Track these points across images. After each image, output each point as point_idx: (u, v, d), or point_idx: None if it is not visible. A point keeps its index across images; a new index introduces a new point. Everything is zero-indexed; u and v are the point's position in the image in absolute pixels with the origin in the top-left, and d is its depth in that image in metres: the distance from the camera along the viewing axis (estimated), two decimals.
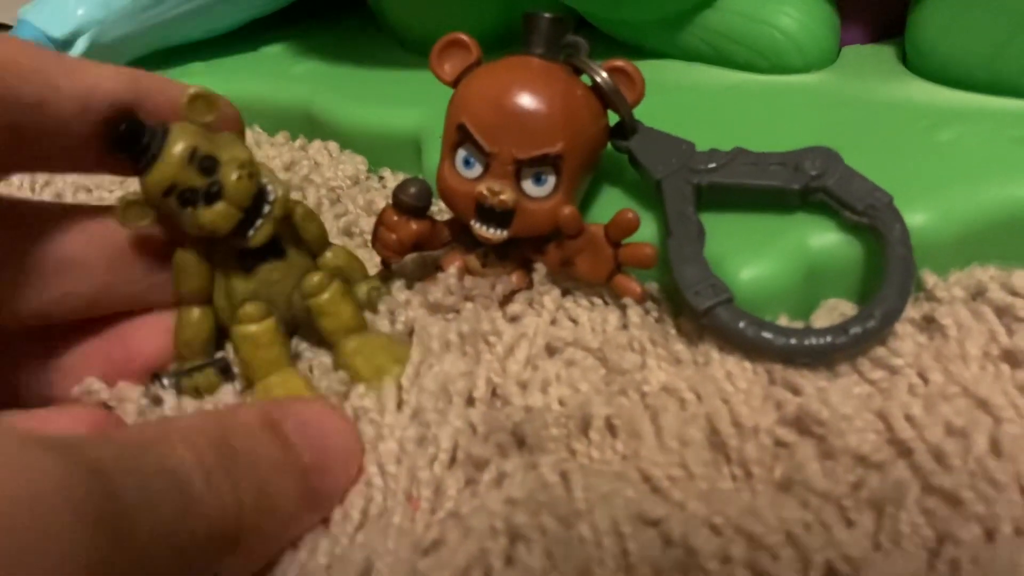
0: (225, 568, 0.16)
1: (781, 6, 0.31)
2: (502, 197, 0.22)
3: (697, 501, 0.18)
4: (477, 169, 0.23)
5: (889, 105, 0.28)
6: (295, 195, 0.30)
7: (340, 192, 0.32)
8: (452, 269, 0.24)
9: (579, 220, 0.22)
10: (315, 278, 0.22)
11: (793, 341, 0.20)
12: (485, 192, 0.22)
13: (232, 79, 0.39)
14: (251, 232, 0.21)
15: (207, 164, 0.20)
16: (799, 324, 0.22)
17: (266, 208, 0.21)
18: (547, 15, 0.23)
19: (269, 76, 0.39)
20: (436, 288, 0.24)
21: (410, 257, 0.25)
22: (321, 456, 0.19)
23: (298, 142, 0.36)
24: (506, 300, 0.24)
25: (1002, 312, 0.21)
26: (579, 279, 0.23)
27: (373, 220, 0.29)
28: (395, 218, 0.23)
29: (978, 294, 0.22)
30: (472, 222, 0.23)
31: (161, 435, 0.16)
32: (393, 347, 0.22)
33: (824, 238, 0.22)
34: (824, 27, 0.31)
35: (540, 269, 0.24)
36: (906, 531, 0.17)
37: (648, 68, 0.27)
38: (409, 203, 0.23)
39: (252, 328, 0.21)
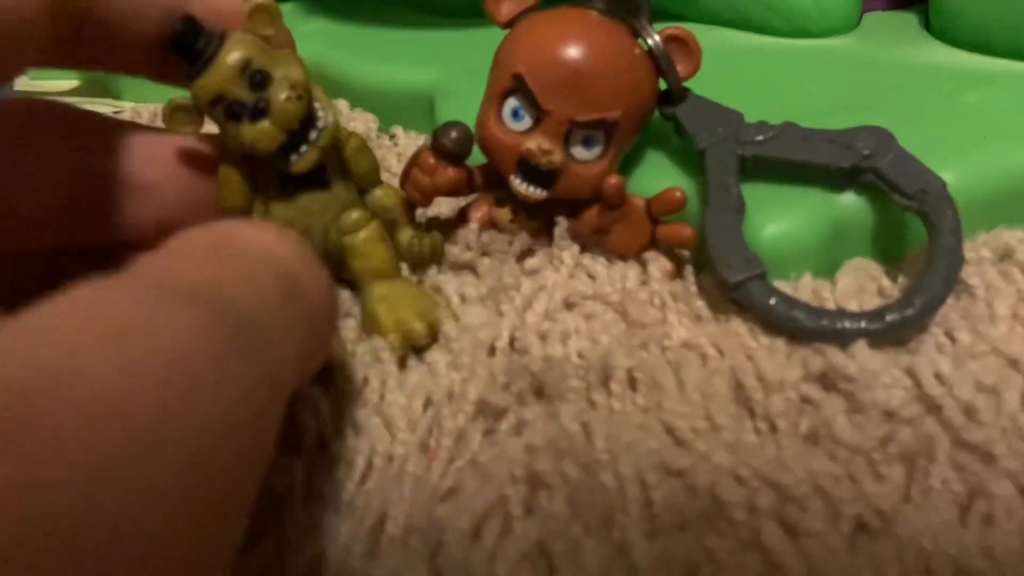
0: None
1: None
2: (552, 158, 0.21)
3: (722, 452, 0.17)
4: (526, 122, 0.22)
5: (914, 68, 0.27)
6: None
7: None
8: (474, 224, 0.23)
9: (623, 191, 0.22)
10: (354, 215, 0.21)
11: (824, 323, 0.19)
12: (534, 149, 0.21)
13: None
14: (294, 157, 0.20)
15: (258, 79, 0.19)
16: (828, 288, 0.21)
17: (313, 134, 0.20)
18: None
19: None
20: (454, 247, 0.23)
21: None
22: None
23: None
24: (524, 255, 0.23)
25: None
26: (610, 249, 0.23)
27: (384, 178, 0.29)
28: (431, 161, 0.22)
29: (1006, 256, 0.22)
30: (512, 177, 0.22)
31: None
32: (420, 300, 0.21)
33: (850, 195, 0.22)
34: None
35: (561, 224, 0.23)
36: (937, 486, 0.17)
37: None
38: (450, 148, 0.22)
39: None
